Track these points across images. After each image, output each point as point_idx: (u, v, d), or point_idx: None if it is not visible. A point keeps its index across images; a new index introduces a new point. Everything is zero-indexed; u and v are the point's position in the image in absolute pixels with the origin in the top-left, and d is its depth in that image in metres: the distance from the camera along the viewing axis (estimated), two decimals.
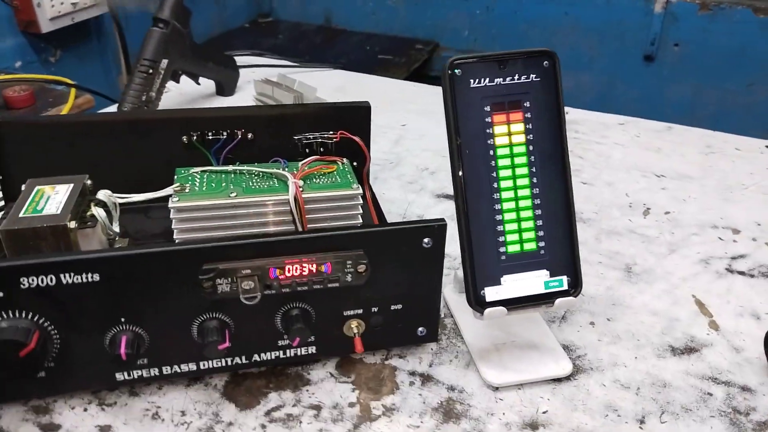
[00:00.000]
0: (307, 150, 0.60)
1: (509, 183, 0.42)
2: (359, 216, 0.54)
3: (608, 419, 0.42)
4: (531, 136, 0.43)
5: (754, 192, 0.70)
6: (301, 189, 0.52)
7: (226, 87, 0.90)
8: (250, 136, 0.59)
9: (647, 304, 0.52)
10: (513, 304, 0.43)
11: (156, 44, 0.77)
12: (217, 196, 0.50)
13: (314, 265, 0.40)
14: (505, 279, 0.43)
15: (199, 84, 0.87)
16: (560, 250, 0.44)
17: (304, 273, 0.40)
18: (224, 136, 0.58)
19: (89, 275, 0.37)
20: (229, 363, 0.42)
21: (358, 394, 0.43)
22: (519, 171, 0.43)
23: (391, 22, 1.82)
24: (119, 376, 0.41)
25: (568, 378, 0.45)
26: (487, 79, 0.42)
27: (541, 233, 0.43)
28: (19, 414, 0.41)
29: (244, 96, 0.91)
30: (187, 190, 0.51)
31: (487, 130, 0.42)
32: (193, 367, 0.42)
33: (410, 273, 0.42)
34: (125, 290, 0.38)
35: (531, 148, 0.43)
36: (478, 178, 0.42)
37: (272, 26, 1.91)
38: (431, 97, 0.93)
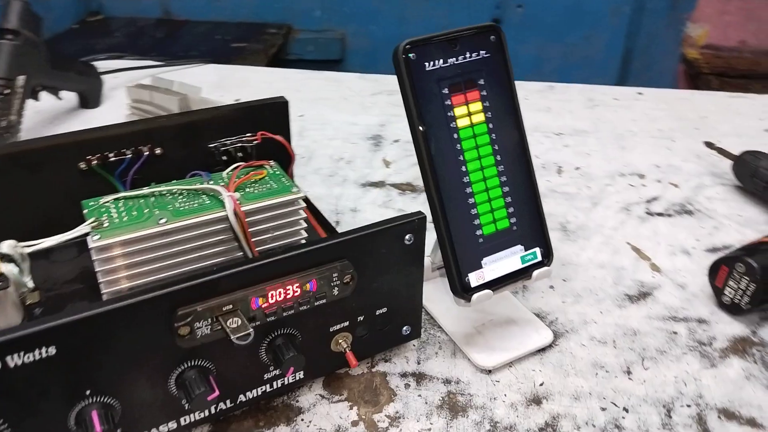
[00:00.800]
0: (224, 158, 0.55)
1: (476, 164, 0.41)
2: (303, 221, 0.51)
3: (599, 377, 0.43)
4: (489, 114, 0.42)
5: (643, 137, 0.76)
6: (238, 202, 0.47)
7: (90, 98, 0.80)
8: (158, 151, 0.52)
9: (592, 259, 0.55)
10: (496, 284, 0.42)
11: (8, 59, 0.66)
12: (145, 226, 0.44)
13: (298, 286, 0.37)
14: (485, 261, 0.42)
15: (60, 99, 0.76)
16: (530, 223, 0.44)
17: (288, 296, 0.37)
18: (128, 155, 0.51)
19: (43, 350, 0.30)
20: (213, 411, 0.38)
21: (357, 411, 0.40)
22: (483, 150, 0.42)
23: (236, 7, 1.73)
24: None
25: (550, 346, 0.45)
26: (441, 60, 0.40)
27: (511, 209, 0.43)
28: None
29: (114, 106, 0.81)
30: (105, 225, 0.44)
31: (449, 113, 0.41)
32: (173, 426, 0.37)
33: (393, 273, 0.40)
34: (88, 358, 0.32)
35: (491, 126, 0.42)
36: (446, 163, 0.41)
37: (104, 24, 1.74)
38: (317, 81, 0.89)
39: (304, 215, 0.50)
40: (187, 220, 0.45)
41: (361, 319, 0.40)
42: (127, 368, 0.33)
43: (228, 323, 0.34)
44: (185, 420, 0.37)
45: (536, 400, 0.41)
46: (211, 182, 0.50)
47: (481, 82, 0.42)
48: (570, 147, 0.74)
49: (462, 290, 0.41)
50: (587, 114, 0.82)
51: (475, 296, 0.41)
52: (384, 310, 0.41)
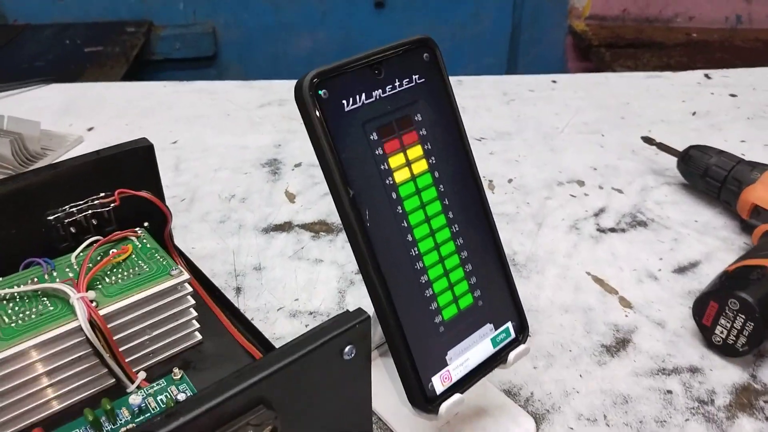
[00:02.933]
0: (72, 230, 0.41)
1: (425, 228, 0.31)
2: (192, 309, 0.38)
3: None
4: (432, 159, 0.31)
5: (570, 133, 0.69)
6: (95, 305, 0.34)
7: None
8: None
9: (553, 301, 0.46)
10: (465, 382, 0.32)
11: None
12: None
13: None
14: (450, 356, 0.31)
15: None
16: (497, 293, 0.34)
17: None
18: None
19: None
20: None
21: None
22: (430, 209, 0.31)
23: (86, 6, 1.51)
24: None
25: None
26: (363, 95, 0.29)
27: (473, 279, 0.32)
28: None
29: None
30: None
31: (382, 167, 0.29)
32: None
33: (329, 402, 0.29)
34: None
35: (436, 174, 0.31)
36: (387, 235, 0.29)
37: None
38: (189, 95, 0.75)
39: (191, 301, 0.38)
40: (21, 343, 0.32)
41: None
42: None
43: None
44: None
45: None
46: (55, 275, 0.36)
47: (418, 117, 0.31)
48: (496, 154, 0.65)
49: (426, 402, 0.30)
50: (505, 111, 0.73)
51: (443, 407, 0.31)
52: None
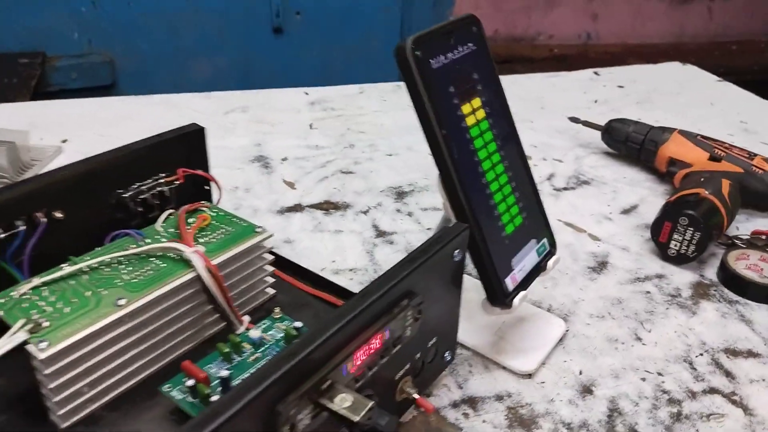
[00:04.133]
0: (140, 209, 0.44)
1: (488, 163, 0.39)
2: (269, 265, 0.43)
3: (620, 351, 0.44)
4: (488, 108, 0.40)
5: None
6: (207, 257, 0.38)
7: None
8: (58, 215, 0.40)
9: None
10: (525, 283, 0.41)
11: None
12: (99, 315, 0.33)
13: (379, 337, 0.30)
14: (513, 262, 0.40)
15: None
16: (535, 215, 0.43)
17: (372, 352, 0.30)
18: (21, 228, 0.38)
19: None
20: None
21: None
22: (490, 147, 0.39)
23: None
24: None
25: (564, 333, 0.45)
26: (443, 56, 0.37)
27: (521, 204, 0.41)
28: None
29: None
30: (46, 324, 0.32)
31: (458, 113, 0.37)
32: None
33: (442, 297, 0.36)
34: None
35: (491, 121, 0.40)
36: (466, 167, 0.37)
37: None
38: (152, 108, 0.77)
39: (271, 258, 0.43)
40: (151, 292, 0.35)
41: (417, 356, 0.35)
42: None
43: (337, 404, 0.27)
44: None
45: (587, 390, 0.41)
46: (148, 241, 0.40)
47: (475, 76, 0.39)
48: None
49: (504, 297, 0.38)
50: None
51: (516, 300, 0.39)
52: (434, 340, 0.37)
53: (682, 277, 0.52)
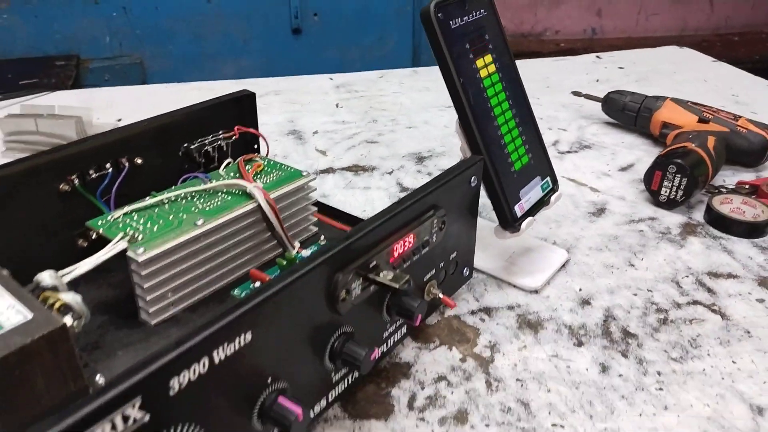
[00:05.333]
0: (203, 160, 0.52)
1: (499, 109, 0.46)
2: (312, 206, 0.50)
3: (615, 274, 0.51)
4: (497, 64, 0.47)
5: None
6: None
7: None
8: (138, 161, 0.48)
9: None
10: (531, 211, 0.48)
11: None
12: (183, 231, 0.41)
13: (413, 237, 0.38)
14: (521, 193, 0.47)
15: None
16: (540, 157, 0.50)
17: (406, 248, 0.38)
18: (109, 170, 0.46)
19: (242, 337, 0.28)
20: (349, 382, 0.37)
21: (458, 351, 0.43)
22: (500, 97, 0.47)
23: (8, 43, 1.52)
24: None
25: (566, 261, 0.52)
26: (459, 19, 0.44)
27: (527, 146, 0.49)
28: None
29: None
30: (140, 238, 0.40)
31: (473, 66, 0.45)
32: (323, 404, 0.35)
33: (461, 216, 0.43)
34: (271, 340, 0.30)
35: (501, 75, 0.47)
36: (481, 112, 0.45)
37: None
38: (191, 93, 0.85)
39: (314, 198, 0.50)
40: (222, 217, 0.43)
41: (442, 265, 0.43)
42: (294, 347, 0.32)
43: (382, 277, 0.34)
44: (332, 395, 0.36)
45: (586, 302, 0.48)
46: (214, 182, 0.47)
47: (487, 37, 0.47)
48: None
49: (513, 221, 0.46)
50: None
51: (523, 224, 0.46)
52: (455, 254, 0.44)
53: (672, 219, 0.59)
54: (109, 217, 0.42)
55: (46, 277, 0.36)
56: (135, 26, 1.62)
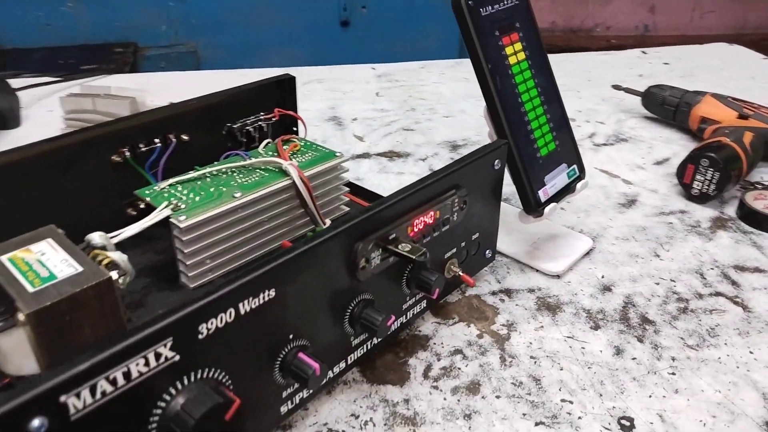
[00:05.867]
0: (244, 139, 0.55)
1: (527, 96, 0.48)
2: (344, 186, 0.53)
3: (639, 263, 0.51)
4: (527, 52, 0.48)
5: None
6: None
7: (8, 117, 0.72)
8: (184, 137, 0.51)
9: None
10: (555, 197, 0.49)
11: None
12: (222, 203, 0.44)
13: (433, 214, 0.40)
14: (546, 179, 0.48)
15: None
16: (567, 144, 0.51)
17: (426, 224, 0.39)
18: (158, 145, 0.49)
19: (267, 293, 0.31)
20: (368, 347, 0.39)
21: (475, 327, 0.44)
22: (529, 84, 0.48)
23: (72, 31, 1.60)
24: (283, 408, 0.35)
25: (591, 249, 0.53)
26: (490, 7, 0.46)
27: (555, 133, 0.50)
28: None
29: (38, 123, 0.74)
30: (182, 206, 0.43)
31: (502, 53, 0.46)
32: (342, 365, 0.38)
33: (484, 198, 0.45)
34: (294, 298, 0.32)
35: (530, 62, 0.48)
36: (508, 96, 0.46)
37: None
38: (238, 78, 0.89)
39: (347, 179, 0.53)
40: (258, 191, 0.46)
41: (463, 244, 0.44)
42: (316, 308, 0.34)
43: (400, 248, 0.36)
44: (350, 358, 0.38)
45: (607, 288, 0.48)
46: (253, 160, 0.50)
47: (518, 25, 0.48)
48: None
49: (537, 205, 0.47)
50: None
51: (546, 209, 0.47)
52: (477, 234, 0.45)
53: (703, 213, 0.59)
54: (155, 187, 0.46)
55: (96, 237, 0.39)
56: (191, 16, 1.68)
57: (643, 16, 1.91)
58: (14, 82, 0.81)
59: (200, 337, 0.28)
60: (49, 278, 0.33)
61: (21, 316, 0.31)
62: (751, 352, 0.42)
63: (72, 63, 1.49)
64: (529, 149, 0.47)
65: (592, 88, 0.89)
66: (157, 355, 0.27)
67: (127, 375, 0.26)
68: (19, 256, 0.35)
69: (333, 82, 0.90)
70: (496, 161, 0.44)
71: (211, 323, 0.28)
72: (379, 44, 1.83)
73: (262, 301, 0.30)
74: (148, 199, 0.44)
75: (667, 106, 0.75)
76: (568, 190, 0.50)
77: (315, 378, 0.32)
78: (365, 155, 0.69)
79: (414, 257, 0.36)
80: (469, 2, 0.44)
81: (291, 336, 0.33)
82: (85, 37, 1.61)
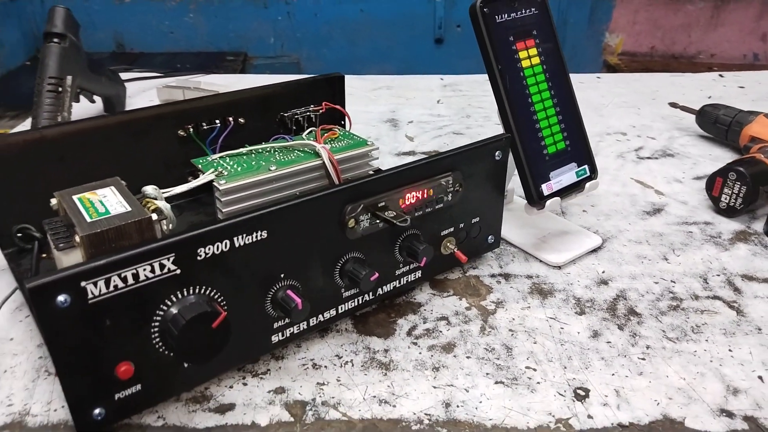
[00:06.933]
0: (294, 127, 0.62)
1: (538, 96, 0.52)
2: (373, 171, 0.59)
3: (644, 264, 0.53)
4: (543, 57, 0.52)
5: (613, 108, 0.90)
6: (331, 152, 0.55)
7: (116, 103, 0.85)
8: (241, 120, 0.59)
9: (608, 191, 0.66)
10: (560, 194, 0.52)
11: (58, 60, 0.70)
12: (258, 173, 0.51)
13: (425, 191, 0.45)
14: (551, 175, 0.52)
15: (93, 101, 0.81)
16: (579, 145, 0.54)
17: (419, 199, 0.45)
18: (218, 125, 0.58)
19: (259, 233, 0.37)
20: (359, 302, 0.45)
21: (466, 301, 0.49)
22: (541, 86, 0.52)
23: (191, 38, 1.79)
24: (274, 338, 0.41)
25: (600, 247, 0.56)
26: (506, 15, 0.50)
27: (565, 133, 0.53)
28: (181, 411, 0.39)
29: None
30: (225, 173, 0.51)
31: (515, 56, 0.51)
32: (332, 313, 0.44)
33: (484, 186, 0.49)
34: (286, 243, 0.39)
35: (545, 67, 0.52)
36: (517, 96, 0.50)
37: None
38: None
39: (376, 166, 0.59)
40: (291, 167, 0.53)
41: (462, 226, 0.49)
42: (309, 257, 0.40)
43: (386, 214, 0.42)
44: (341, 308, 0.44)
45: (603, 282, 0.51)
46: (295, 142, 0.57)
47: (535, 32, 0.52)
48: None
49: (538, 198, 0.51)
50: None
51: (548, 202, 0.51)
52: (477, 219, 0.50)
53: (728, 226, 0.59)
54: (208, 158, 0.54)
55: (149, 189, 0.47)
56: (296, 30, 1.82)
57: (753, 44, 1.83)
58: (124, 75, 0.95)
59: (199, 258, 0.35)
60: (104, 213, 0.42)
61: (77, 239, 0.40)
62: (729, 350, 0.44)
63: (188, 67, 1.67)
64: (535, 145, 0.51)
65: (654, 106, 0.90)
66: (162, 266, 0.34)
67: (135, 276, 0.33)
68: (86, 197, 0.45)
69: (400, 89, 0.97)
70: (497, 152, 0.48)
71: (209, 249, 0.36)
72: (469, 61, 1.88)
73: (254, 239, 0.37)
74: (199, 165, 0.53)
75: (719, 125, 0.75)
76: (576, 187, 0.54)
77: (297, 311, 0.39)
78: (410, 153, 0.75)
79: (396, 222, 0.41)
80: (485, 9, 0.49)
81: (282, 275, 0.40)
82: (202, 45, 1.79)
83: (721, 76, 1.03)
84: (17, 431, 0.37)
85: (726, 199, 0.60)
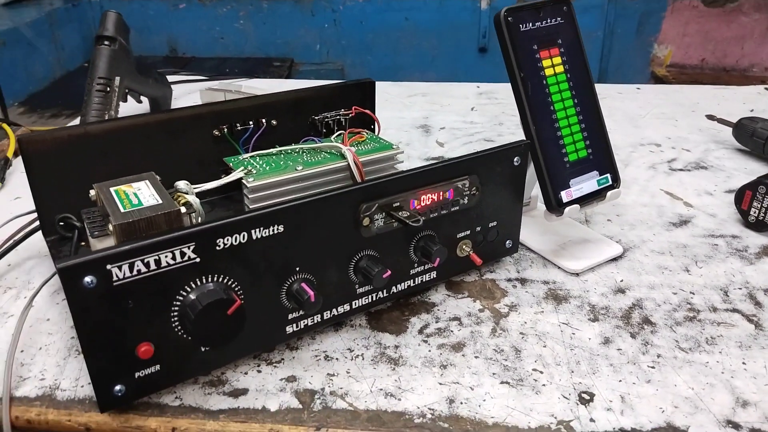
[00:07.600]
0: (324, 130, 0.65)
1: (560, 105, 0.52)
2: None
3: (665, 274, 0.53)
4: (567, 66, 0.53)
5: (650, 119, 0.89)
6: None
7: (162, 104, 0.89)
8: (273, 122, 0.62)
9: (636, 201, 0.66)
10: (580, 201, 0.53)
11: (108, 61, 0.75)
12: (285, 172, 0.53)
13: (441, 193, 0.46)
14: (571, 183, 0.52)
15: (140, 102, 0.85)
16: (602, 154, 0.54)
17: (434, 201, 0.46)
18: (251, 126, 0.60)
19: (276, 227, 0.39)
20: (373, 299, 0.46)
21: (480, 303, 0.50)
22: (564, 94, 0.53)
23: (241, 44, 1.85)
24: (289, 329, 0.43)
25: (621, 256, 0.55)
26: (530, 24, 0.51)
27: (588, 141, 0.54)
28: (197, 392, 0.41)
29: None
30: (254, 172, 0.53)
31: (538, 65, 0.52)
32: (346, 308, 0.45)
33: (502, 191, 0.50)
34: (302, 238, 0.41)
35: (569, 75, 0.53)
36: (539, 104, 0.51)
37: None
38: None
39: (400, 169, 0.60)
40: (317, 168, 0.55)
41: (479, 229, 0.50)
42: (324, 252, 0.42)
43: (400, 214, 0.43)
44: (355, 304, 0.46)
45: (621, 290, 0.51)
46: (323, 144, 0.59)
47: (560, 41, 0.53)
48: None
49: (557, 204, 0.51)
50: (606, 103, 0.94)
51: (567, 209, 0.51)
52: (494, 223, 0.51)
53: (756, 240, 0.58)
54: (240, 157, 0.57)
55: (181, 184, 0.50)
56: (342, 37, 1.85)
57: None
58: (172, 78, 0.99)
59: (218, 248, 0.38)
60: (137, 205, 0.45)
61: (111, 227, 0.43)
62: (743, 363, 0.43)
63: (236, 72, 1.72)
64: (555, 152, 0.52)
65: (692, 118, 0.88)
66: (182, 254, 0.36)
67: (157, 262, 0.36)
68: (122, 189, 0.47)
69: (435, 96, 0.98)
70: (516, 158, 0.49)
71: (227, 240, 0.38)
72: None
73: (271, 233, 0.39)
74: (231, 164, 0.55)
75: (756, 138, 0.73)
76: (597, 196, 0.54)
77: (310, 304, 0.40)
78: (439, 158, 0.76)
79: (409, 222, 0.43)
80: (509, 18, 0.50)
81: (297, 269, 0.41)
82: (250, 51, 1.85)
83: (767, 89, 1.01)
84: (47, 403, 0.40)
85: (755, 212, 0.59)
